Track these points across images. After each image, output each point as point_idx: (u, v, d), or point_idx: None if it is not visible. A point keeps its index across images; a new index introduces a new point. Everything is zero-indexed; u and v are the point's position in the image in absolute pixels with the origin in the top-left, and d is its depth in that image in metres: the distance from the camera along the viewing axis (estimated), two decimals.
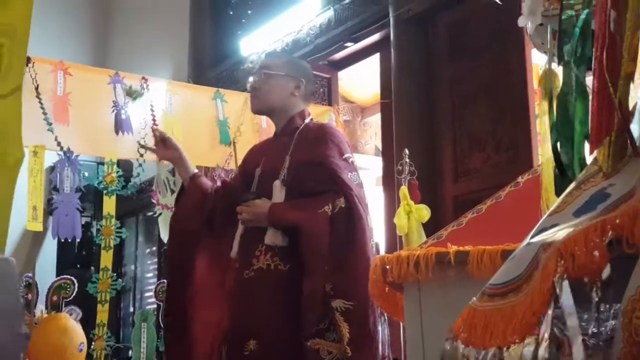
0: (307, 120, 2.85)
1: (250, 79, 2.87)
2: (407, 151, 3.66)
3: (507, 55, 4.05)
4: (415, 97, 4.63)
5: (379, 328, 2.55)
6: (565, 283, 1.02)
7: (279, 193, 2.65)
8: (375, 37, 5.04)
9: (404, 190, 3.49)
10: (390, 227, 4.42)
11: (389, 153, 4.71)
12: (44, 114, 3.85)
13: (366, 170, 5.70)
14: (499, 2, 1.94)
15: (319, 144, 2.68)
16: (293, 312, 2.48)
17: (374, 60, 5.18)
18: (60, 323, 3.97)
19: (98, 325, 4.06)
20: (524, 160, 3.83)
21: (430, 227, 3.52)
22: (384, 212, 4.59)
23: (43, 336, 3.91)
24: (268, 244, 2.58)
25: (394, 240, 4.26)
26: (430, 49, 4.69)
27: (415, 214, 3.48)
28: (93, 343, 4.06)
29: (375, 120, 6.13)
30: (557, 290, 1.02)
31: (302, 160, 2.67)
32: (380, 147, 5.53)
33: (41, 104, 3.84)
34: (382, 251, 4.28)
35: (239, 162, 3.12)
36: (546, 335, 1.02)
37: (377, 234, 3.70)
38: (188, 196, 2.97)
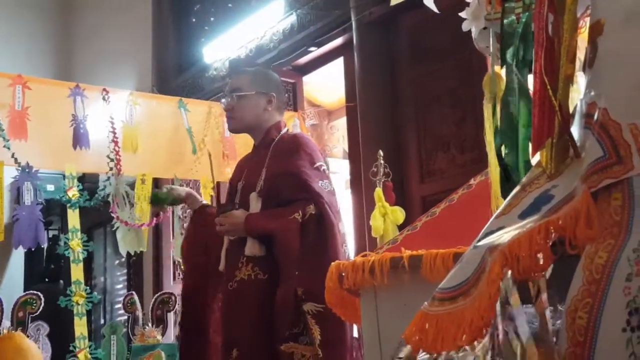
0: (283, 132, 2.93)
1: (223, 100, 2.94)
2: (381, 152, 3.68)
3: (470, 56, 4.07)
4: (380, 100, 4.65)
5: (350, 330, 2.60)
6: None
7: (255, 204, 2.74)
8: (338, 41, 5.05)
9: (378, 192, 3.51)
10: (359, 230, 4.43)
11: (355, 156, 4.72)
12: (1, 130, 3.80)
13: (335, 173, 5.70)
14: (436, 10, 1.96)
15: (291, 154, 2.77)
16: (271, 319, 2.58)
17: (339, 63, 5.20)
18: (13, 343, 3.90)
19: (78, 338, 4.03)
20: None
21: (401, 228, 3.53)
22: (352, 215, 4.59)
23: None
24: (248, 255, 2.67)
25: (363, 244, 4.27)
26: (392, 52, 4.71)
27: (390, 215, 3.50)
28: (75, 357, 4.03)
29: (342, 124, 6.14)
30: (505, 294, 1.03)
31: (276, 172, 2.75)
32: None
33: None
34: (352, 254, 4.29)
35: (216, 173, 3.31)
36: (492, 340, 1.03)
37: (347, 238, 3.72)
38: (195, 229, 3.10)
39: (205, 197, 4.56)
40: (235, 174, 3.03)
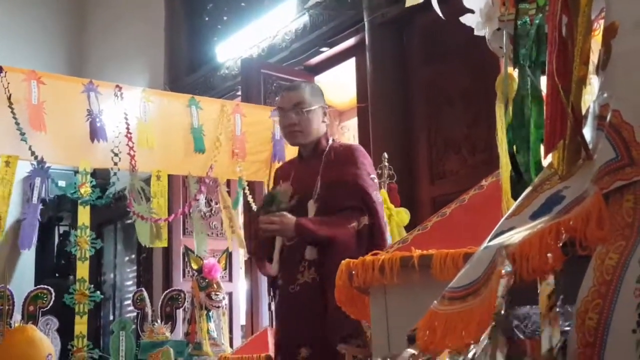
0: (330, 141, 3.01)
1: (292, 116, 2.94)
2: (385, 155, 3.69)
3: (482, 58, 4.06)
4: (391, 101, 4.65)
5: None
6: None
7: (312, 211, 2.86)
8: (350, 42, 5.06)
9: (383, 194, 3.51)
10: None
11: None
12: (17, 123, 3.81)
13: None
14: (441, 15, 1.98)
15: (349, 164, 2.87)
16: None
17: (351, 64, 5.20)
18: (26, 335, 3.91)
19: (77, 337, 4.03)
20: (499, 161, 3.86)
21: (408, 230, 3.54)
22: None
23: (8, 348, 3.84)
24: (309, 258, 2.78)
25: None
26: (405, 53, 4.71)
27: (395, 217, 3.51)
28: (72, 355, 4.04)
29: (353, 124, 6.15)
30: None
31: (333, 180, 2.84)
32: None
33: (13, 113, 3.81)
34: None
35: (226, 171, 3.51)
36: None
37: None
38: None
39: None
40: (278, 181, 3.08)
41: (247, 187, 4.69)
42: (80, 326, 4.05)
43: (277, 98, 3.18)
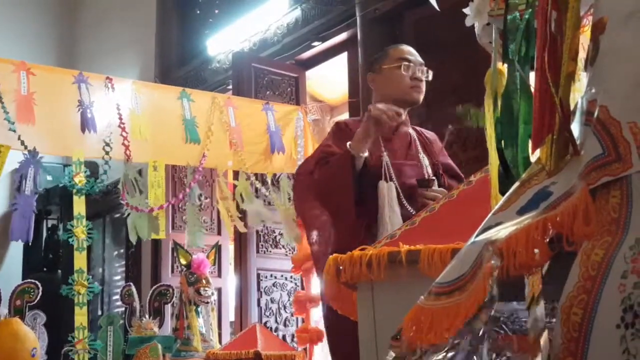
0: None
1: (424, 71, 2.92)
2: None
3: (475, 55, 4.05)
4: None
5: None
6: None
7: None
8: (342, 37, 5.06)
9: None
10: None
11: None
12: (6, 112, 3.79)
13: None
14: (436, 7, 1.98)
15: (442, 149, 2.90)
16: None
17: (343, 58, 5.20)
18: (11, 328, 3.89)
19: (78, 328, 4.02)
20: None
21: None
22: None
23: None
24: None
25: None
26: None
27: None
28: (74, 347, 4.03)
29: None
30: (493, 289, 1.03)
31: (442, 162, 2.84)
32: None
33: (2, 103, 3.79)
34: None
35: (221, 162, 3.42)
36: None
37: None
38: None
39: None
40: (344, 137, 2.84)
41: (253, 177, 4.67)
42: (81, 317, 4.04)
43: (398, 48, 3.00)
